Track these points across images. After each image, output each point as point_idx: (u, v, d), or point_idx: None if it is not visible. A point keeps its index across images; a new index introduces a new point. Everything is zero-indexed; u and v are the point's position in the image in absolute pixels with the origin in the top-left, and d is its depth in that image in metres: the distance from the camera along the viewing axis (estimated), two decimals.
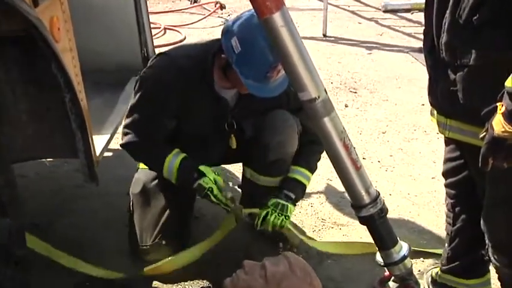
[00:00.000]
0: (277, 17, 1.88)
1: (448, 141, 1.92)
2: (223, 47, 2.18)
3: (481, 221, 1.77)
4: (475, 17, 1.50)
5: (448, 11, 1.59)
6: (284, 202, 2.44)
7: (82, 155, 2.23)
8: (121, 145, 2.40)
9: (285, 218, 2.42)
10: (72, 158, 2.31)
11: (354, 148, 2.10)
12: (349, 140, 2.10)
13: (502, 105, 1.42)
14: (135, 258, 2.48)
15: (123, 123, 2.40)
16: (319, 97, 1.98)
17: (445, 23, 1.61)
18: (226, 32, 2.18)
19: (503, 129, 1.42)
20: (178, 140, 2.37)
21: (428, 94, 1.82)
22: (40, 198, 2.99)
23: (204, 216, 2.78)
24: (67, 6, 2.13)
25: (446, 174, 2.00)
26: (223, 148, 2.44)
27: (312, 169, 2.54)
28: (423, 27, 1.81)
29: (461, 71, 1.60)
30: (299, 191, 2.51)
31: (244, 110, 2.39)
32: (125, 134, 2.36)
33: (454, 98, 1.65)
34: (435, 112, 1.81)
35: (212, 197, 2.28)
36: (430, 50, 1.74)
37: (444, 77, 1.67)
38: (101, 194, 2.97)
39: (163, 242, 2.36)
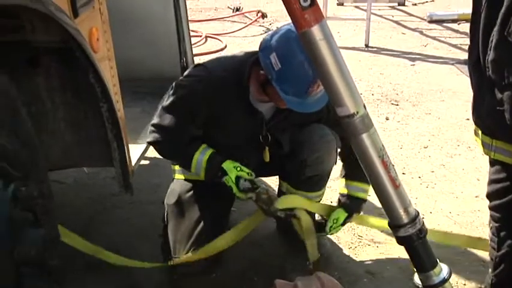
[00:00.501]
0: (315, 30, 1.83)
1: (493, 162, 1.83)
2: (262, 64, 2.14)
3: None
4: None
5: (495, 28, 1.51)
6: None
7: (117, 165, 2.24)
8: (148, 142, 2.43)
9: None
10: (108, 167, 2.33)
11: (393, 165, 2.03)
12: (388, 157, 2.04)
13: None
14: (168, 268, 2.47)
15: (153, 120, 2.40)
16: (357, 113, 1.92)
17: (491, 40, 1.53)
18: (265, 48, 2.14)
19: None
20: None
21: (473, 112, 1.74)
22: (77, 205, 3.02)
23: None
24: (107, 16, 2.14)
25: (491, 196, 1.90)
26: (258, 161, 2.40)
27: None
28: (468, 39, 1.73)
29: (509, 90, 1.51)
30: (361, 208, 2.57)
31: (281, 123, 2.36)
32: (151, 132, 2.36)
33: (500, 118, 1.56)
34: (480, 132, 1.72)
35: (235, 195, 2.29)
36: (475, 66, 1.66)
37: (490, 96, 1.58)
38: (136, 202, 2.99)
39: None
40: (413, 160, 3.46)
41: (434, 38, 6.09)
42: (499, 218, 1.88)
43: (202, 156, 2.28)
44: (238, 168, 2.26)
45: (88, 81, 2.01)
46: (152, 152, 3.47)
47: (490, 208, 1.92)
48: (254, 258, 2.57)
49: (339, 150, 2.47)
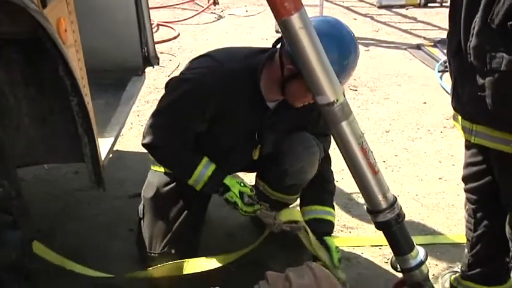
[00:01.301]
0: (295, 19, 1.81)
1: (469, 146, 1.87)
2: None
3: (507, 228, 1.73)
4: (511, 22, 1.45)
5: (478, 15, 1.54)
6: None
7: (88, 160, 2.16)
8: (144, 144, 2.23)
9: None
10: (78, 163, 2.24)
11: (372, 152, 2.05)
12: (367, 143, 2.06)
13: None
14: (141, 263, 2.42)
15: (149, 121, 2.22)
16: (337, 101, 1.92)
17: (474, 27, 1.56)
18: None
19: None
20: (204, 146, 2.25)
21: (452, 98, 1.77)
22: (40, 202, 2.90)
23: (211, 221, 2.70)
24: (73, 6, 2.05)
25: (467, 179, 1.95)
26: (247, 157, 2.34)
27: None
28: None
29: (490, 76, 1.55)
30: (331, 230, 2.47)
31: (279, 122, 2.28)
32: (150, 133, 2.19)
33: (481, 103, 1.60)
34: (459, 117, 1.76)
35: (240, 211, 2.21)
36: (455, 54, 1.69)
37: (471, 82, 1.62)
38: (101, 197, 2.90)
39: (173, 251, 2.29)
40: (376, 145, 3.52)
41: (384, 23, 6.19)
42: (476, 200, 1.93)
43: (205, 170, 2.18)
44: (242, 184, 2.20)
45: (54, 73, 1.92)
46: (116, 145, 3.38)
47: (466, 190, 1.98)
48: (228, 249, 2.54)
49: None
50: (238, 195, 2.18)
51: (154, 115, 2.21)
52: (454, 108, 1.78)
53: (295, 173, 2.31)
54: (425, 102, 4.10)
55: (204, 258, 2.25)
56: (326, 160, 2.45)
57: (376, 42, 5.58)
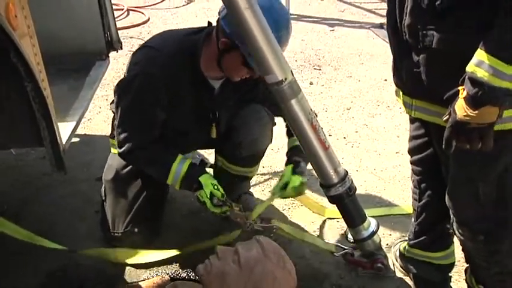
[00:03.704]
0: None
1: (412, 120, 1.96)
2: (228, 30, 2.06)
3: (446, 198, 1.82)
4: (438, 2, 1.53)
5: None
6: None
7: (48, 144, 2.19)
8: (120, 154, 2.25)
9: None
10: (38, 147, 2.28)
11: (322, 128, 2.13)
12: (317, 120, 2.13)
13: (464, 90, 1.47)
14: (107, 244, 2.48)
15: (117, 131, 2.24)
16: (285, 79, 1.99)
17: (406, 6, 1.64)
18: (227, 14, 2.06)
19: (465, 113, 1.47)
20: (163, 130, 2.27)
21: (393, 74, 1.85)
22: (7, 188, 2.93)
23: (175, 199, 2.78)
24: None
25: (411, 151, 2.05)
26: (205, 137, 2.40)
27: None
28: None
29: (424, 53, 1.63)
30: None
31: (227, 99, 2.34)
32: (123, 141, 2.22)
33: (418, 79, 1.68)
34: (400, 93, 1.84)
35: (209, 210, 2.25)
36: (393, 30, 1.76)
37: (408, 58, 1.70)
38: (69, 181, 2.95)
39: (136, 230, 2.35)
40: (338, 122, 3.62)
41: (350, 3, 6.28)
42: (420, 172, 2.03)
43: (181, 166, 2.21)
44: (215, 186, 2.21)
45: (8, 60, 1.95)
46: (82, 130, 3.42)
47: (412, 163, 2.07)
48: (194, 226, 2.62)
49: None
50: (208, 196, 2.19)
51: (119, 124, 2.23)
52: (396, 84, 1.86)
53: (249, 144, 2.39)
54: (385, 80, 4.20)
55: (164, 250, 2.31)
56: None
57: (341, 22, 5.66)
